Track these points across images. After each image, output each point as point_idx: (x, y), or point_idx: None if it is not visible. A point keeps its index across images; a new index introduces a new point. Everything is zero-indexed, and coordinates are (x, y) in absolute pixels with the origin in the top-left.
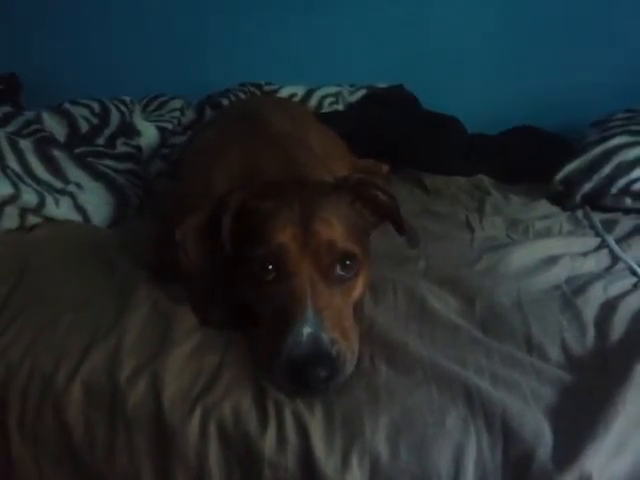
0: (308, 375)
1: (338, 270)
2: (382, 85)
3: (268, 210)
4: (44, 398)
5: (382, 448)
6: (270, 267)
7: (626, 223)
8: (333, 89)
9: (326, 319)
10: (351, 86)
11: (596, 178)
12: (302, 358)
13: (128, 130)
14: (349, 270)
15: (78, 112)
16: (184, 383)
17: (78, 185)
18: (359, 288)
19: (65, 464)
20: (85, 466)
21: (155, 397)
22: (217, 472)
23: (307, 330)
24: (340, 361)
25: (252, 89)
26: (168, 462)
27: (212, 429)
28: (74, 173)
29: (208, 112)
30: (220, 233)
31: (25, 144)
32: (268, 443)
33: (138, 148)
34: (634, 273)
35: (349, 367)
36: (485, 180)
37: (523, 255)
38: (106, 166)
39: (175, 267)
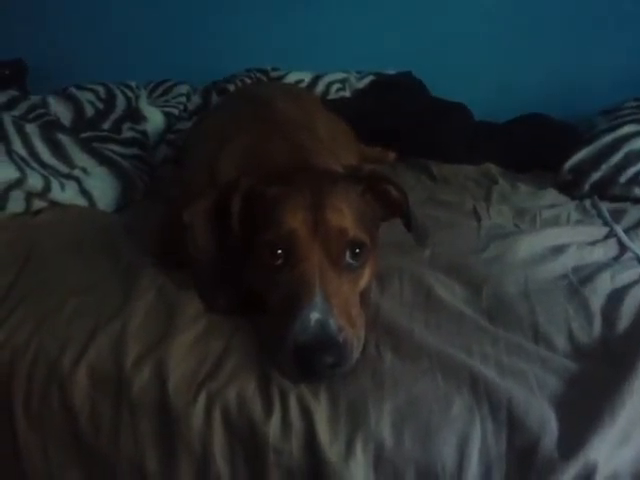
0: (315, 361)
1: (347, 258)
2: (390, 72)
3: (278, 195)
4: (49, 382)
5: (387, 435)
6: (279, 252)
7: (634, 213)
8: (340, 75)
9: (334, 306)
10: (358, 72)
11: (605, 167)
12: (309, 344)
13: (134, 115)
14: (358, 259)
15: (84, 97)
16: (189, 369)
17: (84, 170)
18: (367, 277)
19: (70, 448)
20: (90, 450)
21: (160, 382)
22: (221, 457)
23: (315, 316)
24: (347, 348)
25: (258, 75)
26: (172, 447)
27: (216, 414)
28: (80, 158)
29: (214, 98)
30: (229, 216)
31: (31, 128)
32: (272, 429)
33: (144, 133)
34: None
35: (355, 354)
36: (492, 168)
37: (530, 244)
38: (112, 151)
39: (180, 253)
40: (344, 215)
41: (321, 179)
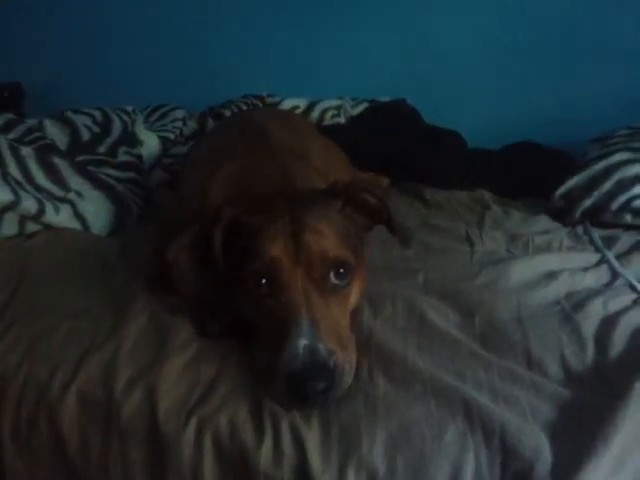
0: (306, 388)
1: (332, 279)
2: (384, 99)
3: (258, 224)
4: (39, 407)
5: (379, 463)
6: (264, 282)
7: (626, 239)
8: (335, 102)
9: (322, 330)
10: (353, 99)
11: (596, 194)
12: (299, 371)
13: (130, 139)
14: (343, 278)
15: (80, 120)
16: (180, 394)
17: (78, 193)
18: (355, 295)
19: (59, 474)
20: (79, 477)
21: (150, 408)
22: None
23: (303, 342)
24: (338, 372)
25: (254, 101)
26: (163, 474)
27: (207, 441)
28: (75, 181)
29: (210, 123)
30: (212, 249)
31: (26, 151)
32: (264, 456)
33: (139, 157)
34: (634, 289)
35: (347, 379)
36: (485, 195)
37: (523, 270)
38: (107, 175)
39: (172, 280)
40: (324, 236)
41: (300, 202)
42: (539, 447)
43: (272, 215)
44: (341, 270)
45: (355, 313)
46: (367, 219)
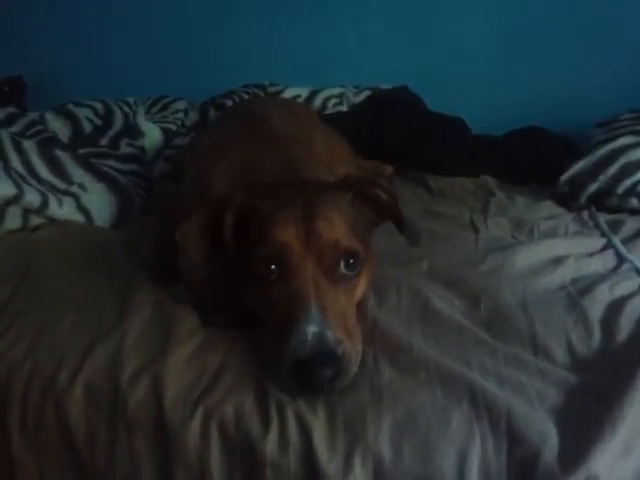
0: (314, 375)
1: (341, 268)
2: (386, 86)
3: (270, 210)
4: (45, 399)
5: (385, 449)
6: (273, 267)
7: (632, 224)
8: (337, 90)
9: (331, 318)
10: (355, 87)
11: (602, 179)
12: (307, 357)
13: (132, 131)
14: (352, 268)
15: (82, 113)
16: (185, 384)
17: (81, 186)
18: (362, 286)
19: (66, 465)
20: (86, 467)
21: (156, 398)
22: (218, 474)
23: (312, 329)
24: (345, 361)
25: (256, 90)
26: (169, 463)
27: (213, 430)
28: (77, 174)
29: (212, 113)
30: (221, 233)
31: (29, 145)
32: (270, 444)
33: (142, 149)
34: None
35: (354, 367)
36: (490, 181)
37: (528, 255)
38: (109, 167)
39: (176, 268)
40: (336, 226)
41: (311, 191)
42: (546, 433)
43: (283, 201)
44: (351, 260)
45: (360, 304)
46: (376, 215)
